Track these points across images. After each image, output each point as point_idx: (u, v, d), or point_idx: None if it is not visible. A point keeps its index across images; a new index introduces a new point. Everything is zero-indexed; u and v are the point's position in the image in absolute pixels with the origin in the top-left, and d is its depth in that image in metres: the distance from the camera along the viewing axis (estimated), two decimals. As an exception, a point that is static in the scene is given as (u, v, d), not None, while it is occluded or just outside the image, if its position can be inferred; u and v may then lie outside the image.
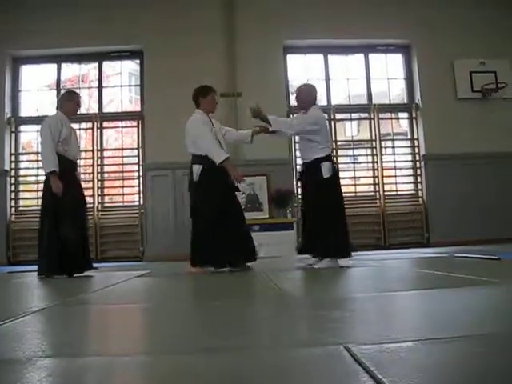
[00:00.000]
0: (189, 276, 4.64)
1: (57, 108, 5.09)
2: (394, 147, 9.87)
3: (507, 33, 9.37)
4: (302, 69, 9.82)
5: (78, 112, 5.41)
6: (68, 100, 5.08)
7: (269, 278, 3.95)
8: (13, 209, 9.19)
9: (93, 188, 9.21)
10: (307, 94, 5.14)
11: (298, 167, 5.45)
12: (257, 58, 8.95)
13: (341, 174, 9.33)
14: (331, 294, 2.92)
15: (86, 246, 4.93)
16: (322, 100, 9.83)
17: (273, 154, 8.40)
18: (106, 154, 9.59)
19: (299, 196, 6.83)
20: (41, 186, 9.25)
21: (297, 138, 5.11)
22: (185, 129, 4.98)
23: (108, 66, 9.89)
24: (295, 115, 5.44)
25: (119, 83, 9.90)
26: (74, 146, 5.02)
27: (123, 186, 9.58)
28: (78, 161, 5.17)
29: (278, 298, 2.79)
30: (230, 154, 5.08)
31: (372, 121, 9.65)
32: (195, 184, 4.94)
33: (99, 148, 9.39)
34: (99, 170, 9.34)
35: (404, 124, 10.14)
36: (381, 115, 9.71)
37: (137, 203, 9.25)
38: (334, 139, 9.46)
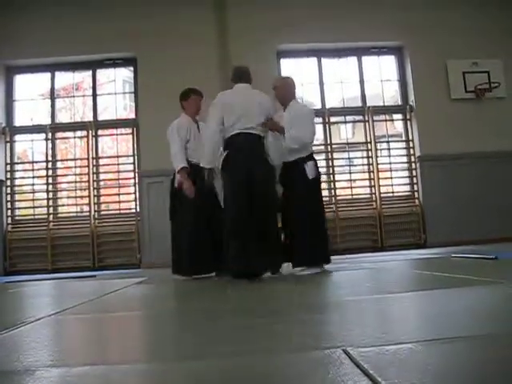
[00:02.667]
0: (186, 282, 4.63)
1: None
2: (389, 149, 9.86)
3: (499, 32, 9.40)
4: (295, 73, 9.83)
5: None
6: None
7: (264, 281, 3.95)
8: (9, 218, 9.17)
9: (89, 196, 9.20)
10: (287, 87, 4.88)
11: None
12: (250, 63, 8.83)
13: (337, 177, 9.49)
14: (329, 297, 2.92)
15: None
16: (316, 103, 9.85)
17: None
18: (101, 161, 9.58)
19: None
20: (37, 195, 9.39)
21: (270, 137, 4.72)
22: None
23: (102, 73, 9.88)
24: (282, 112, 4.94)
25: (113, 91, 9.89)
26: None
27: (119, 194, 9.56)
28: None
29: (275, 302, 2.79)
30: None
31: (366, 123, 9.65)
32: (175, 190, 4.94)
33: (94, 156, 9.37)
34: (95, 178, 9.32)
35: (398, 125, 10.15)
36: (375, 117, 9.72)
37: (133, 210, 9.23)
38: (329, 142, 9.49)
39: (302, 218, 4.54)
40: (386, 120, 10.04)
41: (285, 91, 4.85)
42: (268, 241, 4.34)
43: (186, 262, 4.83)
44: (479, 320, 1.79)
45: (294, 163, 4.65)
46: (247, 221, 4.28)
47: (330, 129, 9.53)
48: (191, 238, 4.84)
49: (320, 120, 9.58)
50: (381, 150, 9.83)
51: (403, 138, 9.86)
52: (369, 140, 9.59)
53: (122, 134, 9.75)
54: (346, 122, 10.11)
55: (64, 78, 9.93)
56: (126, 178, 9.52)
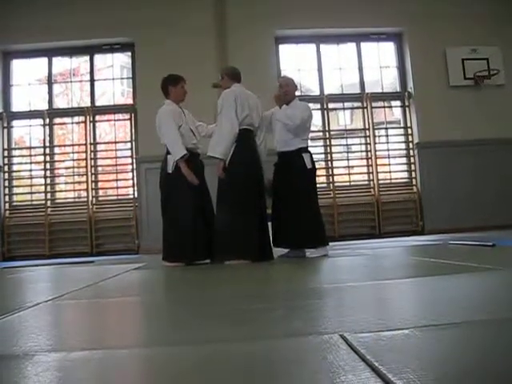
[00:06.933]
0: (184, 268, 4.65)
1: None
2: (387, 136, 9.87)
3: (499, 20, 9.36)
4: (294, 59, 9.79)
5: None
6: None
7: (259, 268, 3.96)
8: (6, 204, 9.16)
9: (86, 182, 9.20)
10: (294, 86, 5.23)
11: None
12: (248, 49, 8.90)
13: (335, 164, 9.49)
14: (326, 283, 2.92)
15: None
16: (314, 90, 9.82)
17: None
18: (99, 147, 9.57)
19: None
20: (34, 181, 9.38)
21: (278, 129, 5.08)
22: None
23: (99, 59, 9.82)
24: (278, 109, 5.21)
25: (111, 76, 9.85)
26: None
27: (117, 180, 9.56)
28: None
29: (272, 288, 2.79)
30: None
31: (365, 110, 9.65)
32: (168, 176, 4.91)
33: (92, 142, 9.36)
34: (92, 164, 9.31)
35: (397, 112, 10.14)
36: (374, 104, 9.71)
37: (131, 196, 9.23)
38: (327, 129, 9.47)
39: (299, 205, 4.86)
40: (384, 107, 10.03)
41: (293, 89, 5.18)
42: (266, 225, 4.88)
43: (184, 248, 4.84)
44: (477, 306, 1.80)
45: (292, 153, 4.96)
46: (255, 203, 4.76)
47: (328, 115, 9.51)
48: (189, 224, 4.85)
49: (318, 106, 9.56)
50: (379, 136, 9.84)
51: (401, 125, 9.86)
52: (367, 127, 9.58)
53: (119, 120, 9.73)
54: (344, 109, 10.10)
55: (61, 63, 9.88)
56: (124, 164, 9.51)
